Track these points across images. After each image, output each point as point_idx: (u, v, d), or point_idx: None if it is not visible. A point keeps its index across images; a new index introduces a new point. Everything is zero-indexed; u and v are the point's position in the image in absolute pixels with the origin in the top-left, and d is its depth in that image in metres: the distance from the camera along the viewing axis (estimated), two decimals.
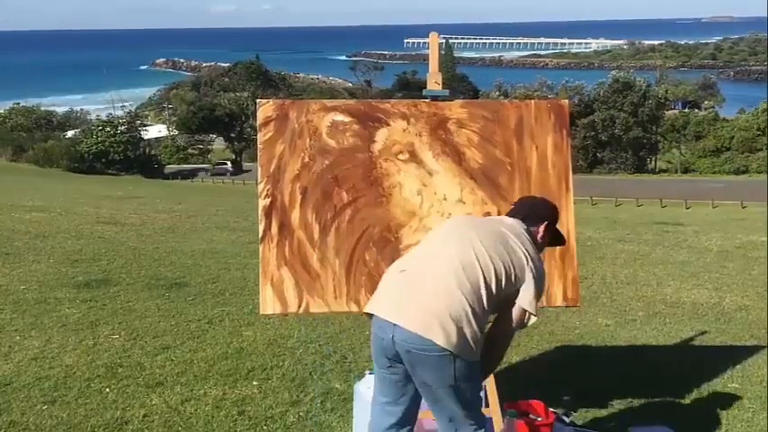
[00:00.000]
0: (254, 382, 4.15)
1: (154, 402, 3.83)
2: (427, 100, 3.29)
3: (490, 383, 3.14)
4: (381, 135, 3.23)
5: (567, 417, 3.76)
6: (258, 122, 3.26)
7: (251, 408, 3.81)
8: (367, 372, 3.83)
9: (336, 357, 4.61)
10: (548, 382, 4.24)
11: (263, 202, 3.21)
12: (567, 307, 3.37)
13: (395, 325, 2.46)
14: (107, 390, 3.97)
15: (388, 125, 3.24)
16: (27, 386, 3.98)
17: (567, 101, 3.45)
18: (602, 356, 5.02)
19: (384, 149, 3.22)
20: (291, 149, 3.23)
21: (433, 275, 2.51)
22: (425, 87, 3.32)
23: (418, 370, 2.49)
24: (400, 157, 3.23)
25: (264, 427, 3.61)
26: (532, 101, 3.40)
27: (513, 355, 4.85)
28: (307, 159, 3.22)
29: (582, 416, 3.83)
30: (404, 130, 3.24)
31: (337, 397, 3.97)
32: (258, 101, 3.33)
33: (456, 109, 3.27)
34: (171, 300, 5.88)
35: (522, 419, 3.37)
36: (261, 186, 3.22)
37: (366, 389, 3.48)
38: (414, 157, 3.23)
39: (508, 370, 4.51)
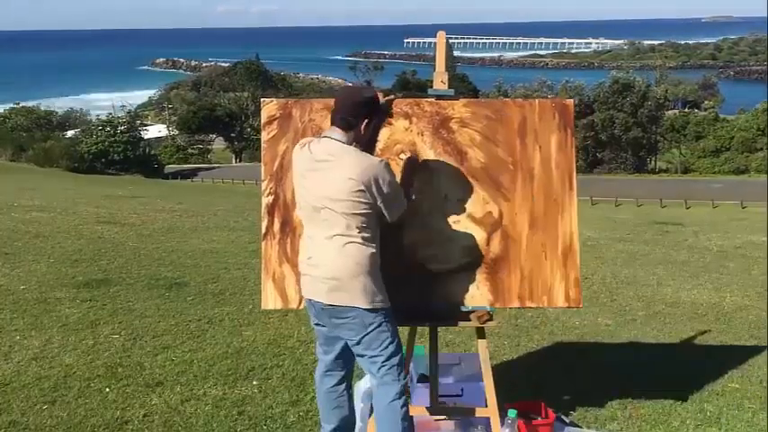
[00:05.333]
0: (254, 382, 4.16)
1: (154, 402, 3.84)
2: (430, 99, 3.28)
3: (489, 383, 3.14)
4: (383, 134, 3.23)
5: (567, 417, 3.75)
6: (262, 121, 3.28)
7: (251, 408, 3.82)
8: None
9: None
10: (548, 382, 4.24)
11: (266, 200, 3.24)
12: (568, 308, 3.35)
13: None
14: (107, 389, 3.98)
15: (390, 124, 3.24)
16: (27, 386, 3.99)
17: (571, 100, 3.42)
18: (602, 356, 5.02)
19: (386, 148, 3.23)
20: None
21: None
22: (425, 87, 3.33)
23: None
24: (402, 156, 3.23)
25: (264, 427, 3.62)
26: (536, 100, 3.39)
27: (512, 355, 4.85)
28: None
29: (582, 416, 3.83)
30: (406, 129, 3.24)
31: None
32: (262, 100, 3.35)
33: (459, 108, 3.27)
34: (171, 299, 5.88)
35: (521, 419, 3.37)
36: (264, 184, 3.25)
37: (366, 388, 3.48)
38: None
39: (508, 370, 4.52)
